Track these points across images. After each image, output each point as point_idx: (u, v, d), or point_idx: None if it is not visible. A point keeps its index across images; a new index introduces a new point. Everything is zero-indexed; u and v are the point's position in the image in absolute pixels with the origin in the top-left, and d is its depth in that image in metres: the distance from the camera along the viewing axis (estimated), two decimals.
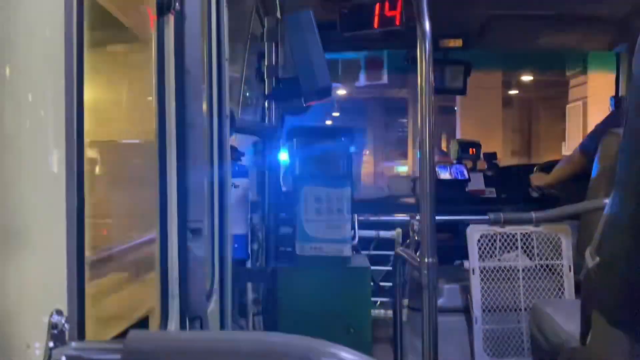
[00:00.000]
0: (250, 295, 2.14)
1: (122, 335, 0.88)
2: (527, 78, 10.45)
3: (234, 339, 0.57)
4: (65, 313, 0.60)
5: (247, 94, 2.74)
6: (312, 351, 0.56)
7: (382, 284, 2.62)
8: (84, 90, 0.71)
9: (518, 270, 2.38)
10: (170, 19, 1.09)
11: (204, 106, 1.29)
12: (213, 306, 1.44)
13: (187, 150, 1.14)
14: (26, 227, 0.56)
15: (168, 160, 1.07)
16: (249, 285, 2.13)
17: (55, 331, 0.58)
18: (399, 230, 2.40)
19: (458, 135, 8.90)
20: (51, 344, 0.57)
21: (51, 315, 0.58)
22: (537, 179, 3.06)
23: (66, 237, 0.62)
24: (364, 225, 2.65)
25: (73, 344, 0.59)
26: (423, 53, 1.49)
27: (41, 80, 0.60)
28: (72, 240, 0.63)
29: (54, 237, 0.60)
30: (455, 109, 9.45)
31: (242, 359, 0.54)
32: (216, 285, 1.49)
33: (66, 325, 0.59)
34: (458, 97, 8.36)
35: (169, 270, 1.07)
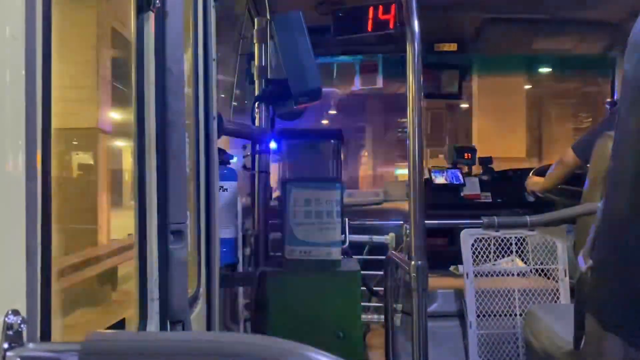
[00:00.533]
0: (241, 300, 2.11)
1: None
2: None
3: (194, 339, 0.54)
4: (23, 314, 0.58)
5: (239, 97, 2.73)
6: (274, 352, 0.54)
7: (375, 288, 2.59)
8: (51, 84, 0.69)
9: (513, 275, 2.36)
10: (151, 17, 1.07)
11: (187, 106, 1.27)
12: (199, 310, 1.41)
13: (168, 151, 1.12)
14: None
15: (147, 160, 1.05)
16: (240, 290, 2.10)
17: (11, 332, 0.55)
18: (392, 234, 2.38)
19: (474, 138, 8.62)
20: (5, 345, 0.55)
21: (6, 316, 0.55)
22: (533, 184, 3.03)
23: (25, 236, 0.59)
24: (357, 230, 2.62)
25: (30, 345, 0.57)
26: (412, 55, 1.47)
27: (2, 78, 0.57)
28: (32, 239, 0.61)
29: (11, 237, 0.58)
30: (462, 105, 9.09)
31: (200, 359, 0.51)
32: (202, 289, 1.46)
33: (23, 326, 0.57)
34: (475, 97, 8.25)
35: (148, 272, 1.04)
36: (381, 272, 2.63)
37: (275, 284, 1.65)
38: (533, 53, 3.47)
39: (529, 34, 3.19)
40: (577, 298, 1.55)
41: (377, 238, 2.43)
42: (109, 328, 0.90)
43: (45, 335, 0.66)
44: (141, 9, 1.06)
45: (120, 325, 0.96)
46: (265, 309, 1.66)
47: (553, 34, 3.20)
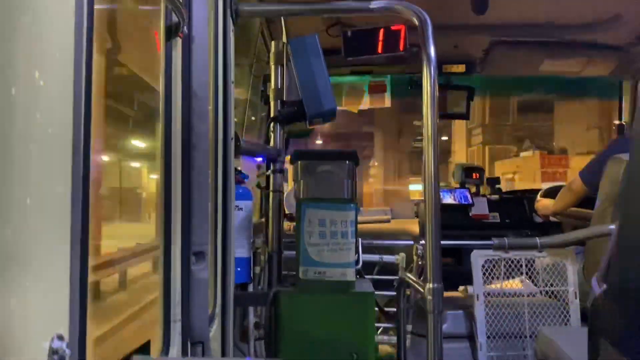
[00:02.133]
0: (252, 320, 2.11)
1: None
2: None
3: None
4: (66, 338, 0.59)
5: (251, 117, 2.75)
6: None
7: (385, 309, 2.58)
8: (91, 118, 0.71)
9: (523, 296, 2.35)
10: (179, 42, 1.10)
11: (210, 128, 1.29)
12: (215, 330, 1.42)
13: (192, 173, 1.14)
14: (29, 251, 0.55)
15: (173, 183, 1.07)
16: (251, 309, 2.10)
17: (56, 357, 0.56)
18: (402, 254, 2.38)
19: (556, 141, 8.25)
20: None
21: (52, 341, 0.56)
22: (543, 208, 3.04)
23: (70, 262, 0.61)
24: (367, 250, 2.63)
25: None
26: (428, 78, 1.49)
27: (51, 114, 0.59)
28: (75, 265, 0.62)
29: (56, 262, 0.59)
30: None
31: None
32: (218, 310, 1.47)
33: (67, 350, 0.58)
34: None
35: (172, 294, 1.05)
36: (391, 292, 2.62)
37: (290, 304, 1.65)
38: (540, 75, 3.50)
39: (537, 56, 3.22)
40: (591, 322, 1.55)
41: (387, 258, 2.43)
42: (136, 351, 0.91)
43: (83, 359, 0.67)
44: (169, 36, 1.08)
45: (146, 347, 0.97)
46: (278, 329, 1.66)
47: (560, 57, 3.23)
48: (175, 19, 1.06)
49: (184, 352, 1.08)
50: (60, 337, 0.58)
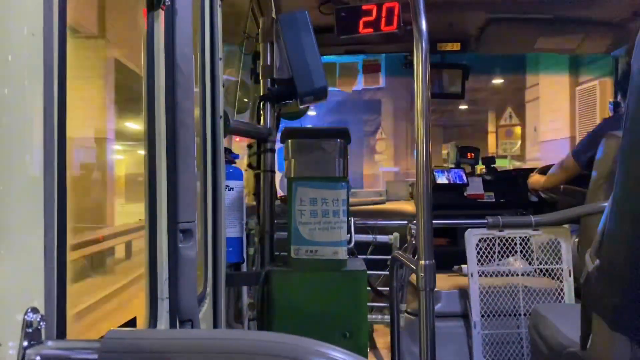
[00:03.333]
0: (245, 300, 2.11)
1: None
2: None
3: (216, 337, 0.54)
4: (41, 311, 0.57)
5: (243, 98, 2.72)
6: (300, 350, 0.53)
7: (379, 288, 2.59)
8: (66, 88, 0.69)
9: (517, 275, 2.35)
10: (161, 15, 1.07)
11: (196, 105, 1.27)
12: (206, 310, 1.41)
13: (178, 150, 1.11)
14: (2, 225, 0.54)
15: (157, 160, 1.05)
16: (245, 289, 2.10)
17: (30, 330, 0.55)
18: (396, 234, 2.37)
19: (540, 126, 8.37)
20: (25, 343, 0.54)
21: (25, 314, 0.55)
22: (534, 182, 3.05)
23: (44, 235, 0.59)
24: (360, 230, 2.62)
25: (49, 342, 0.57)
26: (420, 54, 1.47)
27: (20, 77, 0.57)
28: (50, 238, 0.60)
29: (31, 236, 0.57)
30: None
31: (224, 358, 0.51)
32: (209, 289, 1.46)
33: (42, 324, 0.56)
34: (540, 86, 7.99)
35: (159, 271, 1.04)
36: (384, 272, 2.62)
37: (282, 283, 1.64)
38: (535, 52, 3.47)
39: (532, 33, 3.18)
40: (584, 297, 1.55)
41: (381, 238, 2.42)
42: (120, 327, 0.90)
43: (61, 333, 0.66)
44: (151, 7, 1.05)
45: (131, 324, 0.96)
46: (271, 308, 1.66)
47: (556, 34, 3.20)
48: None
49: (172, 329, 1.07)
50: (35, 310, 0.56)
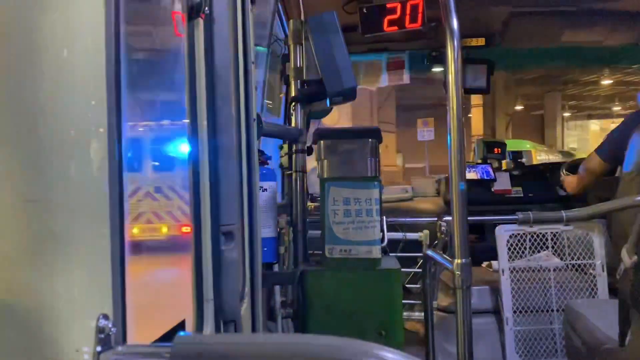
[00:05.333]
0: (278, 299, 2.14)
1: (161, 339, 0.88)
2: None
3: (281, 342, 0.56)
4: (111, 317, 0.60)
5: (270, 98, 2.75)
6: (361, 355, 0.55)
7: (408, 286, 2.59)
8: (122, 95, 0.71)
9: (549, 271, 2.34)
10: (200, 23, 1.09)
11: (234, 110, 1.29)
12: (245, 309, 1.43)
13: (219, 154, 1.14)
14: (72, 233, 0.56)
15: (201, 164, 1.07)
16: (277, 288, 2.13)
17: (102, 335, 0.58)
18: (426, 231, 2.38)
19: None
20: (99, 348, 0.57)
21: (98, 320, 0.58)
22: (567, 184, 3.01)
23: (110, 242, 0.62)
24: (389, 228, 2.62)
25: (119, 347, 0.59)
26: (452, 52, 1.47)
27: (85, 89, 0.60)
28: (116, 246, 0.63)
29: (99, 244, 0.60)
30: None
31: None
32: (247, 289, 1.48)
33: (112, 329, 0.59)
34: None
35: (204, 274, 1.06)
36: (414, 270, 2.63)
37: (317, 283, 1.66)
38: (562, 45, 3.42)
39: (558, 26, 3.15)
40: (621, 294, 1.54)
41: (410, 235, 2.43)
42: (173, 329, 0.93)
43: (124, 338, 0.69)
44: (191, 17, 1.08)
45: (182, 325, 0.99)
46: (306, 307, 1.68)
47: (583, 26, 3.16)
48: None
49: (217, 331, 1.09)
50: (106, 317, 0.59)
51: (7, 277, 0.53)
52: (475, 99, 13.68)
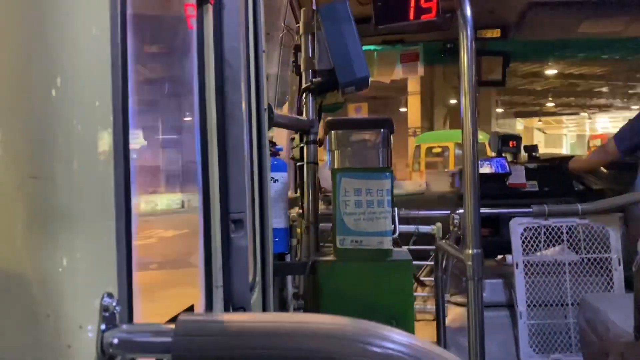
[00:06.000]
0: (290, 290, 2.14)
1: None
2: None
3: (285, 321, 0.55)
4: (115, 296, 0.60)
5: (282, 90, 2.74)
6: (370, 334, 0.55)
7: (422, 278, 2.58)
8: (127, 75, 0.71)
9: (564, 264, 2.31)
10: (209, 9, 1.09)
11: (243, 99, 1.29)
12: (256, 298, 1.44)
13: (228, 142, 1.14)
14: (78, 211, 0.56)
15: (210, 152, 1.07)
16: (289, 279, 2.13)
17: (107, 314, 0.58)
18: (438, 224, 2.36)
19: None
20: (103, 327, 0.57)
21: (102, 298, 0.58)
22: (573, 161, 3.02)
23: (115, 223, 0.62)
24: (402, 221, 2.61)
25: (124, 326, 0.59)
26: (465, 43, 1.45)
27: (90, 75, 0.60)
28: (121, 226, 0.63)
29: (104, 224, 0.60)
30: None
31: (294, 340, 0.53)
32: (258, 278, 1.48)
33: (117, 308, 0.59)
34: None
35: (213, 260, 1.06)
36: (426, 262, 2.62)
37: (328, 273, 1.66)
38: (579, 37, 3.37)
39: (576, 17, 3.10)
40: (637, 287, 1.51)
41: (423, 228, 2.41)
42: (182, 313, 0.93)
43: (130, 319, 0.69)
44: (200, 3, 1.07)
45: (190, 310, 0.99)
46: (317, 297, 1.68)
47: (600, 17, 3.10)
48: None
49: None
50: (110, 295, 0.59)
51: (12, 252, 0.54)
52: (412, 85, 12.75)
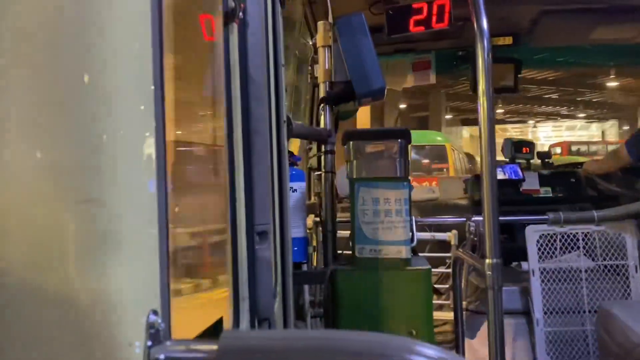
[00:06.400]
0: (307, 298, 2.16)
1: (202, 336, 0.90)
2: None
3: (327, 338, 0.57)
4: (159, 313, 0.62)
5: (296, 100, 2.77)
6: (404, 351, 0.56)
7: (436, 286, 2.59)
8: (164, 97, 0.73)
9: (580, 271, 2.31)
10: (235, 28, 1.12)
11: (266, 112, 1.31)
12: (277, 308, 1.45)
13: (253, 156, 1.16)
14: (124, 232, 0.59)
15: (236, 165, 1.09)
16: (306, 287, 2.15)
17: (152, 330, 0.60)
18: (454, 231, 2.37)
19: None
20: (149, 343, 0.59)
21: (148, 315, 0.60)
22: (589, 164, 3.04)
23: (158, 237, 0.64)
24: (417, 228, 2.62)
25: (168, 342, 0.61)
26: (481, 52, 1.47)
27: (134, 92, 0.62)
28: (163, 242, 0.65)
29: (147, 239, 0.62)
30: None
31: (338, 358, 0.54)
32: (279, 288, 1.50)
33: (162, 324, 0.61)
34: None
35: (240, 272, 1.08)
36: (442, 270, 2.62)
37: (347, 282, 1.68)
38: (591, 44, 3.37)
39: (587, 24, 3.10)
40: None
41: (439, 235, 2.42)
42: (212, 326, 0.95)
43: (170, 334, 0.71)
44: (227, 22, 1.10)
45: (220, 323, 1.01)
46: (336, 306, 1.69)
47: (613, 24, 3.10)
48: (231, 4, 1.08)
49: (252, 328, 1.11)
50: (155, 312, 0.61)
51: (64, 274, 0.56)
52: None
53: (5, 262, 0.54)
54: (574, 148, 15.51)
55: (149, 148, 0.64)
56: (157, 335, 0.61)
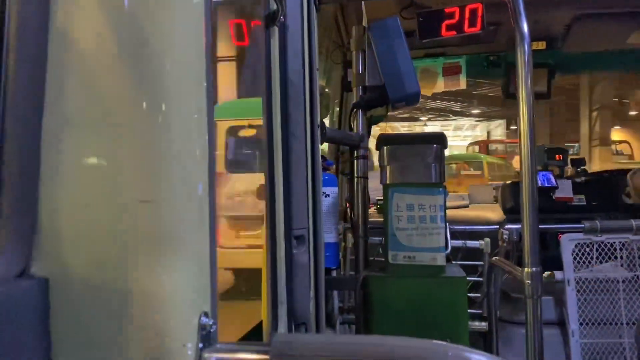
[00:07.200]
0: (336, 304, 2.14)
1: (244, 338, 0.91)
2: None
3: (377, 344, 0.56)
4: (210, 315, 0.62)
5: (328, 105, 2.77)
6: (454, 357, 0.55)
7: (469, 294, 2.54)
8: (214, 108, 0.74)
9: (617, 282, 2.25)
10: (276, 31, 1.12)
11: (303, 116, 1.31)
12: (310, 313, 1.45)
13: (291, 160, 1.16)
14: (181, 234, 0.59)
15: (276, 170, 1.09)
16: (335, 293, 2.13)
17: (204, 332, 0.60)
18: (487, 239, 2.33)
19: None
20: (201, 345, 0.59)
21: (200, 318, 0.60)
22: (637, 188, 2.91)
23: (209, 242, 0.64)
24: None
25: (218, 345, 0.61)
26: (522, 56, 1.44)
27: (188, 91, 0.62)
28: (214, 247, 0.65)
29: (200, 243, 0.62)
30: None
31: None
32: (312, 293, 1.49)
33: (213, 326, 0.61)
34: None
35: (278, 277, 1.08)
36: (474, 278, 2.58)
37: (380, 289, 1.66)
38: (627, 48, 3.30)
39: (624, 28, 3.04)
40: None
41: (471, 243, 2.39)
42: (253, 329, 0.95)
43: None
44: (268, 26, 1.10)
45: (259, 327, 1.01)
46: (368, 312, 1.68)
47: None
48: (273, 6, 1.08)
49: (289, 332, 1.11)
50: (206, 314, 0.61)
51: (122, 275, 0.56)
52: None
53: (68, 260, 0.55)
54: (491, 147, 15.35)
55: (204, 148, 0.64)
56: (208, 337, 0.61)
